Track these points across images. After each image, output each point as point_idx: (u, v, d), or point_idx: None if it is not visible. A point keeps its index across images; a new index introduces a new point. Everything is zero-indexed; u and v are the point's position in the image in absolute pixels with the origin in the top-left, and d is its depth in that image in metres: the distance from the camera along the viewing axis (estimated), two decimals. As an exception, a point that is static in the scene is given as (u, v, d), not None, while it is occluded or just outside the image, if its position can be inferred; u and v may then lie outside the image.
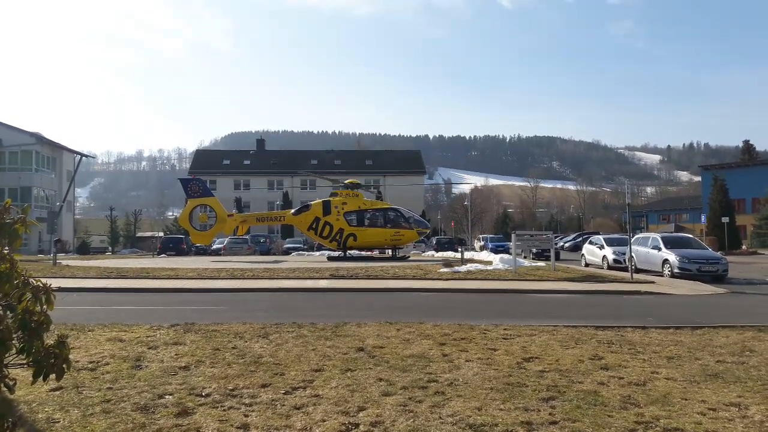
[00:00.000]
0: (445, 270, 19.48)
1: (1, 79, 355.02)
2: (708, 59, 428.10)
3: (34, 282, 3.55)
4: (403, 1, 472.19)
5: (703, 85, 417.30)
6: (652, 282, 17.54)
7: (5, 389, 3.45)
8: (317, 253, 38.09)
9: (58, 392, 5.22)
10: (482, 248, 42.85)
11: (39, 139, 52.51)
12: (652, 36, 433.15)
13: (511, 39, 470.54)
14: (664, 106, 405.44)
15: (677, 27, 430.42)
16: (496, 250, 33.90)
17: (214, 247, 41.38)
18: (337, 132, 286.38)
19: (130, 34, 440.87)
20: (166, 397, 5.19)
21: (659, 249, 20.71)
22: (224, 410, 4.85)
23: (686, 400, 5.21)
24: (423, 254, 37.00)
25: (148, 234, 74.72)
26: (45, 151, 53.75)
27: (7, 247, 3.44)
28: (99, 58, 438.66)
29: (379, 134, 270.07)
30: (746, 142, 67.88)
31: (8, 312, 3.47)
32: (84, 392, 5.27)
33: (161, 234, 67.35)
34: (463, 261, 23.08)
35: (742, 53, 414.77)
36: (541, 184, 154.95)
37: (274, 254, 40.31)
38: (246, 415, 4.73)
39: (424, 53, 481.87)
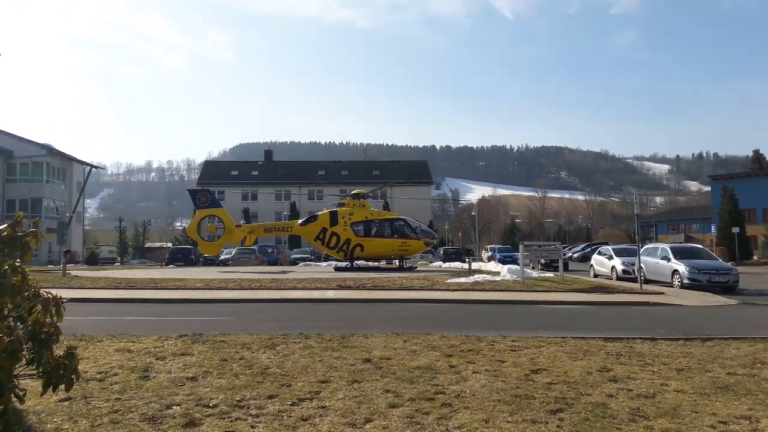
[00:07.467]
0: (453, 281, 19.43)
1: (13, 91, 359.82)
2: (713, 69, 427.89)
3: (45, 294, 3.59)
4: (403, 14, 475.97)
5: (709, 94, 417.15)
6: (662, 293, 17.41)
7: (16, 399, 3.48)
8: (324, 263, 38.12)
9: (66, 403, 5.24)
10: (490, 259, 42.71)
11: (50, 150, 53.04)
12: (654, 46, 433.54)
13: (513, 50, 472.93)
14: (672, 115, 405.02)
15: (679, 37, 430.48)
16: (503, 261, 33.78)
17: (222, 257, 41.57)
18: (344, 143, 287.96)
19: (136, 48, 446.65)
20: (174, 407, 5.20)
21: (669, 260, 20.57)
22: (231, 421, 4.85)
23: (696, 413, 5.16)
24: (430, 265, 36.96)
25: (157, 244, 75.15)
26: (55, 163, 54.27)
27: (18, 260, 3.48)
28: (108, 72, 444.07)
29: (386, 145, 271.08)
30: (756, 151, 67.03)
31: (19, 323, 3.51)
32: (92, 403, 5.30)
33: (170, 245, 67.60)
34: (471, 272, 23.02)
35: (749, 63, 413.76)
36: (549, 194, 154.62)
37: (282, 265, 40.38)
38: (253, 426, 4.73)
39: (428, 64, 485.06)
